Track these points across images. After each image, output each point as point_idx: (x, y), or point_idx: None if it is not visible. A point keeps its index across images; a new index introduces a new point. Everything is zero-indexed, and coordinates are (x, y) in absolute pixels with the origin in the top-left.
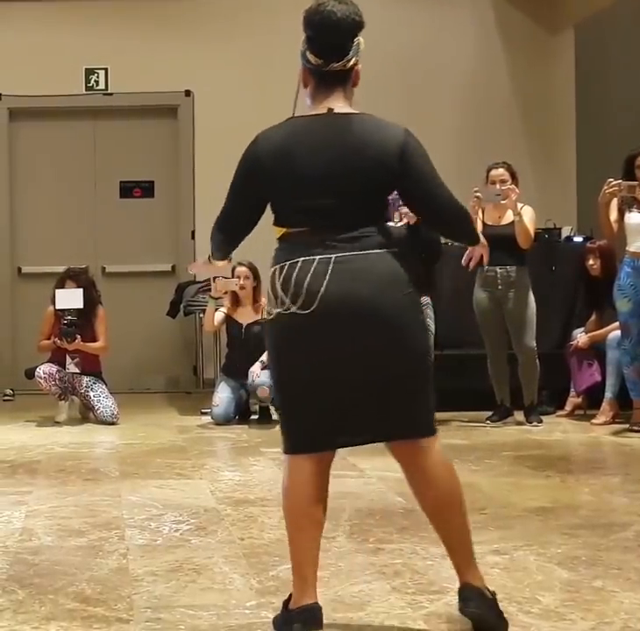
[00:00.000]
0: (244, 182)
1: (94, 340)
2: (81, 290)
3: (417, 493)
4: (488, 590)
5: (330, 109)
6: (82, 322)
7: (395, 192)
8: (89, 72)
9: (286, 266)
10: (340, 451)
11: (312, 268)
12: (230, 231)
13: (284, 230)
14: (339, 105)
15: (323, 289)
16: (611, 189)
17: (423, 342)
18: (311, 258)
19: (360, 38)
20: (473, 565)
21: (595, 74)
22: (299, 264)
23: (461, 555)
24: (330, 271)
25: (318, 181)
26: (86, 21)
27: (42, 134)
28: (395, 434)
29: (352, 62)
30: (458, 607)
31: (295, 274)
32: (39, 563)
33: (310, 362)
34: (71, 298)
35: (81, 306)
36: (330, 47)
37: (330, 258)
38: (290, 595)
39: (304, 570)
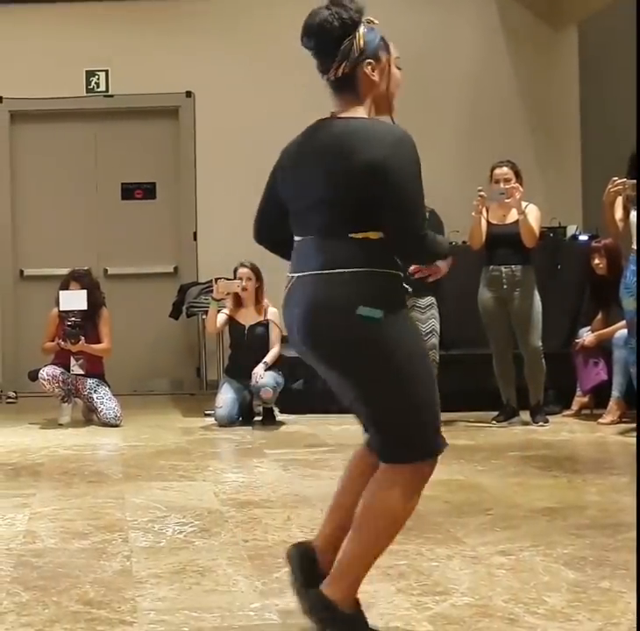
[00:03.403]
0: (268, 185)
1: (98, 342)
2: (84, 292)
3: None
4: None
5: (333, 114)
6: (86, 323)
7: None
8: (90, 74)
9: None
10: (345, 454)
11: (286, 287)
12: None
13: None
14: (346, 111)
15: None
16: (616, 188)
17: (380, 371)
18: (289, 275)
19: (356, 39)
20: (337, 580)
21: (600, 71)
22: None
23: (339, 563)
24: (285, 293)
25: (300, 189)
26: (86, 23)
27: (43, 137)
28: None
29: (342, 69)
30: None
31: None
32: (43, 565)
33: None
34: (75, 299)
35: (84, 307)
36: (316, 56)
37: (293, 277)
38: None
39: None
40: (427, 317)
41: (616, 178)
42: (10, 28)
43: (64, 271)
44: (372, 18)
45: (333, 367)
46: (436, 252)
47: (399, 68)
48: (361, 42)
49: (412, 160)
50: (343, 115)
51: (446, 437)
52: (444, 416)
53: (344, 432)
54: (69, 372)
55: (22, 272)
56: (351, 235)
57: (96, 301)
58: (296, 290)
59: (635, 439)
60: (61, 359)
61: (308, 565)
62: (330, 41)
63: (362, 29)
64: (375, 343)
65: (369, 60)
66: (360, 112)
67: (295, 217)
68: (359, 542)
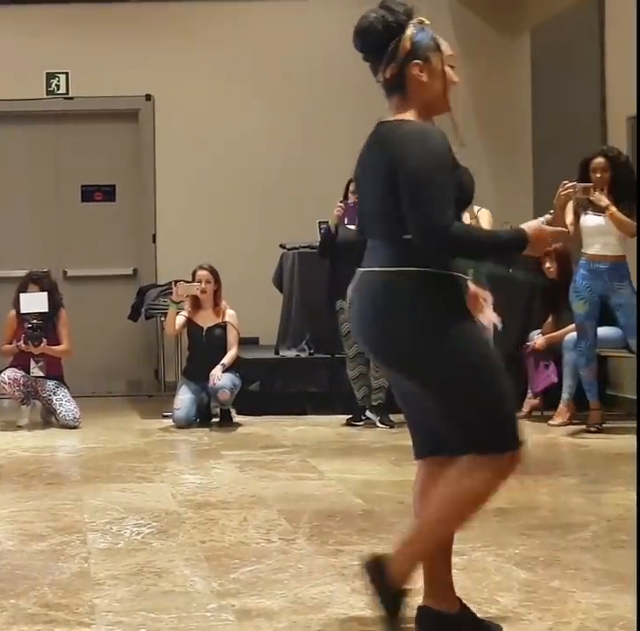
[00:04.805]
0: None
1: (57, 343)
2: (45, 294)
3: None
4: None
5: (380, 119)
6: (46, 325)
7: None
8: (50, 76)
9: None
10: (300, 455)
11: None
12: None
13: None
14: (393, 114)
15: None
16: (566, 191)
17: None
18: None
19: (404, 39)
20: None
21: (552, 77)
22: None
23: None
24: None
25: (358, 189)
26: (46, 25)
27: (3, 138)
28: None
29: (390, 70)
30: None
31: None
32: (1, 567)
33: None
34: (36, 301)
35: (46, 309)
36: (365, 59)
37: (360, 272)
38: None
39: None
40: None
41: (567, 181)
42: None
43: (22, 273)
44: (423, 19)
45: (399, 370)
46: (467, 246)
47: (452, 67)
48: (407, 44)
49: (425, 152)
50: (389, 118)
51: (400, 439)
52: (398, 417)
53: (300, 433)
54: (29, 374)
55: None
56: (404, 236)
57: (55, 303)
58: (361, 286)
59: (584, 440)
60: (20, 361)
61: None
62: (375, 44)
63: (410, 31)
64: (441, 340)
65: (417, 61)
66: (408, 114)
67: (361, 218)
68: (433, 525)
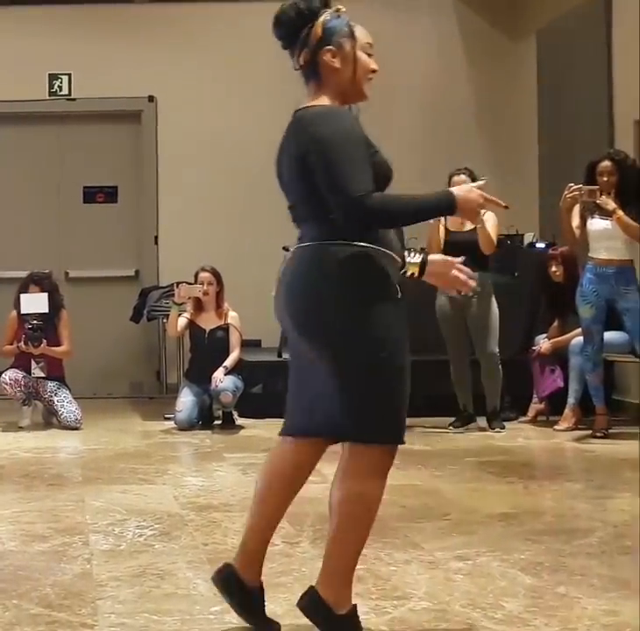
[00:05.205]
0: None
1: (58, 344)
2: (46, 294)
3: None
4: (331, 609)
5: (297, 108)
6: (47, 326)
7: None
8: (53, 77)
9: None
10: None
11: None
12: None
13: None
14: (308, 101)
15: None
16: (572, 194)
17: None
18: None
19: (316, 25)
20: (328, 578)
21: (557, 79)
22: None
23: (327, 563)
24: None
25: (282, 184)
26: (49, 27)
27: (5, 139)
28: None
29: (303, 56)
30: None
31: None
32: (3, 568)
33: None
34: (36, 302)
35: (46, 310)
36: (284, 47)
37: (291, 250)
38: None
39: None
40: None
41: (572, 184)
42: None
43: (24, 273)
44: (340, 7)
45: (314, 343)
46: (390, 213)
47: (369, 55)
48: (319, 30)
49: (335, 128)
50: (304, 104)
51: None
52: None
53: None
54: (30, 374)
55: None
56: (330, 216)
57: (56, 304)
58: (290, 263)
59: (590, 446)
60: (21, 362)
61: (237, 588)
62: (289, 31)
63: (322, 17)
64: (360, 320)
65: (329, 47)
66: (323, 100)
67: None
68: (343, 535)
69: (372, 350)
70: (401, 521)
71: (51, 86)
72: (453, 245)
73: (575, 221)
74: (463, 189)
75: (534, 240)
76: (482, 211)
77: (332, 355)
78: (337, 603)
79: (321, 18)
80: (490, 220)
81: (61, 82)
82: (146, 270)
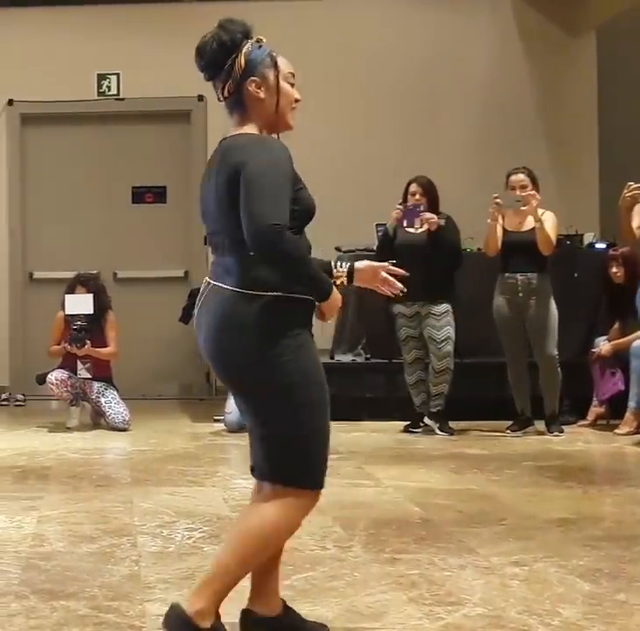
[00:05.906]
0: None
1: (104, 345)
2: (91, 295)
3: None
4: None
5: (224, 137)
6: (93, 327)
7: (416, 197)
8: (101, 77)
9: None
10: (356, 461)
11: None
12: None
13: None
14: (233, 131)
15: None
16: (631, 193)
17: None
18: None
19: (240, 56)
20: (202, 589)
21: (618, 77)
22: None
23: (210, 572)
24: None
25: (204, 215)
26: (98, 26)
27: (54, 140)
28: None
29: (227, 88)
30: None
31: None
32: (51, 568)
33: None
34: (81, 303)
35: (91, 311)
36: (207, 79)
37: (208, 282)
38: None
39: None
40: (442, 324)
41: (632, 183)
42: (21, 31)
43: (73, 274)
44: (261, 37)
45: (232, 385)
46: (292, 259)
47: (291, 84)
48: (242, 61)
49: (264, 157)
50: (231, 133)
51: (460, 447)
52: (458, 424)
53: (356, 439)
54: (76, 375)
55: (31, 274)
56: (251, 253)
57: (102, 305)
58: (209, 299)
59: None
60: (68, 363)
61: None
62: (211, 62)
63: (245, 48)
64: (275, 365)
65: (253, 78)
66: (251, 128)
67: (210, 239)
68: (233, 556)
69: (288, 396)
70: (456, 526)
71: (99, 86)
72: (511, 245)
73: (635, 221)
74: (335, 295)
75: (594, 240)
76: (541, 211)
77: (251, 401)
78: (202, 615)
79: (244, 49)
80: (549, 220)
81: (110, 82)
82: (196, 270)
